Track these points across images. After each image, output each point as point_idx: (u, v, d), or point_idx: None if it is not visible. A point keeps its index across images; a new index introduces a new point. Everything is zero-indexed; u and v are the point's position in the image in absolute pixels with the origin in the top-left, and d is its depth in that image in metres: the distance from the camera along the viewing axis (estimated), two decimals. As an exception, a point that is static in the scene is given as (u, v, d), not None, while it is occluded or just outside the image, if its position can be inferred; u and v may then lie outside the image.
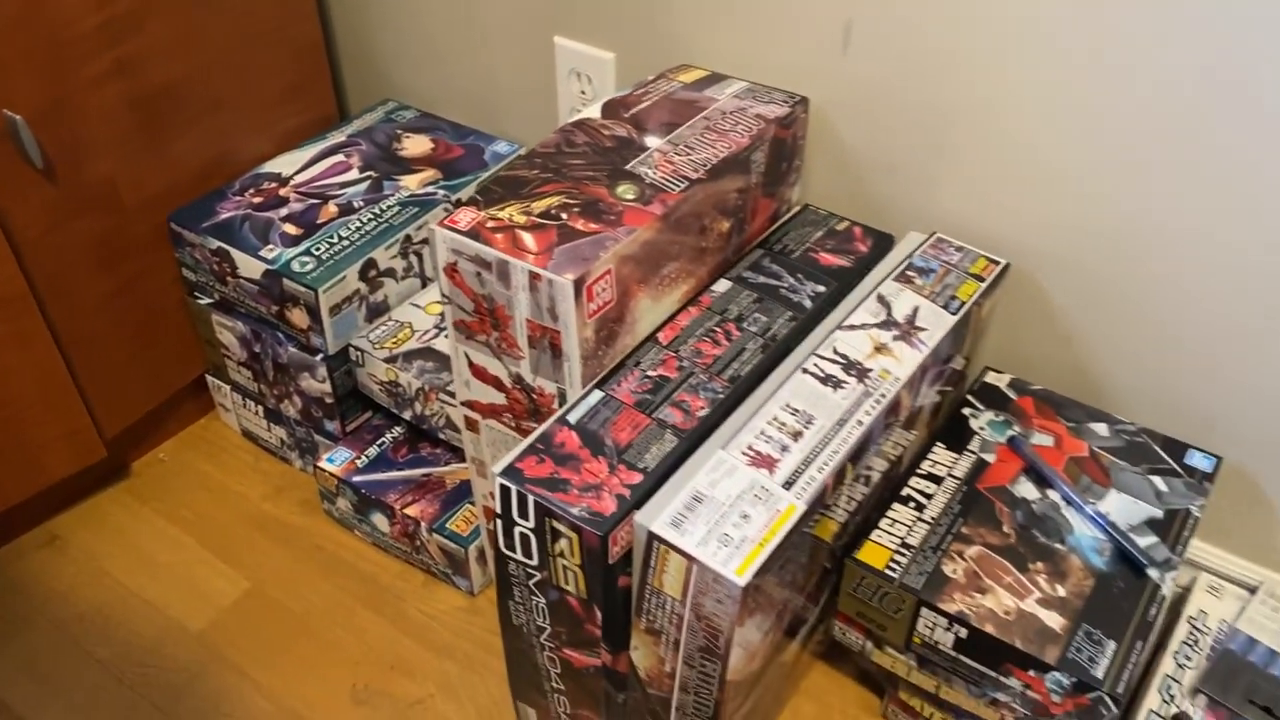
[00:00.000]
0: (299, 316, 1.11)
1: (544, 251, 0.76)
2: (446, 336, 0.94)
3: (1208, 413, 0.93)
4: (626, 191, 0.83)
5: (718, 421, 0.78)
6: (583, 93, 1.17)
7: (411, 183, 1.22)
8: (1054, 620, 0.81)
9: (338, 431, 1.18)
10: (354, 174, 1.23)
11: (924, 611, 0.83)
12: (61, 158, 1.04)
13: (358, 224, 1.16)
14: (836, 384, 0.81)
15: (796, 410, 0.78)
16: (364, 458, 1.15)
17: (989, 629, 0.80)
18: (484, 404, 0.89)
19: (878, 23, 0.92)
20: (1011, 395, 0.98)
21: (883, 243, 0.97)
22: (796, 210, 1.01)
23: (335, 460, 1.15)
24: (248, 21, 1.20)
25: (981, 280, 0.93)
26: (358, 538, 1.19)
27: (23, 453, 1.10)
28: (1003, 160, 0.92)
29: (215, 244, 1.14)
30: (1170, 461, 0.92)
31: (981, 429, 0.95)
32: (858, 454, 0.79)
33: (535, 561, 0.76)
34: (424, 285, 1.22)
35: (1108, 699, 0.76)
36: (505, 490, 0.73)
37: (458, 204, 0.94)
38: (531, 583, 0.78)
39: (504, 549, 0.77)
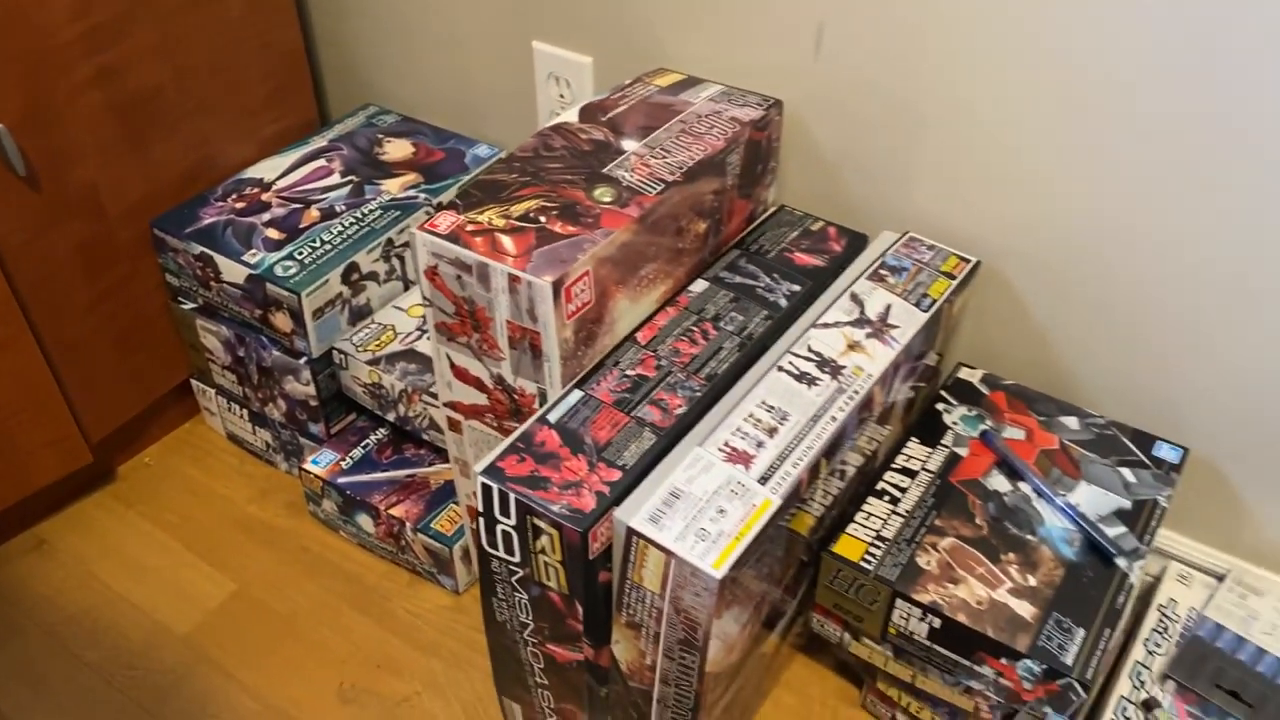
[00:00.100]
0: (282, 320, 1.12)
1: (523, 254, 0.78)
2: (428, 339, 0.95)
3: (1174, 405, 0.95)
4: (604, 194, 0.84)
5: (695, 419, 0.80)
6: (561, 96, 1.18)
7: (393, 186, 1.23)
8: (1025, 609, 0.82)
9: (322, 434, 1.19)
10: (336, 178, 1.24)
11: (899, 602, 0.84)
12: (44, 165, 1.04)
13: (340, 228, 1.16)
14: (811, 381, 0.83)
15: (772, 407, 0.80)
16: (349, 460, 1.16)
17: (962, 619, 0.82)
18: (466, 405, 0.90)
19: (849, 26, 0.93)
20: (984, 390, 1.00)
21: (857, 242, 0.99)
22: (772, 211, 1.03)
23: (320, 462, 1.16)
24: (229, 29, 1.20)
25: (953, 278, 0.94)
26: (343, 539, 1.20)
27: (9, 458, 1.11)
28: (974, 161, 0.93)
29: (198, 249, 1.14)
30: (1138, 453, 0.94)
31: (955, 423, 0.97)
32: (832, 449, 0.80)
33: (517, 559, 0.77)
34: (406, 288, 1.23)
35: (1077, 684, 0.78)
36: (487, 489, 0.75)
37: (439, 208, 0.95)
38: (514, 580, 0.80)
39: (486, 547, 0.79)
